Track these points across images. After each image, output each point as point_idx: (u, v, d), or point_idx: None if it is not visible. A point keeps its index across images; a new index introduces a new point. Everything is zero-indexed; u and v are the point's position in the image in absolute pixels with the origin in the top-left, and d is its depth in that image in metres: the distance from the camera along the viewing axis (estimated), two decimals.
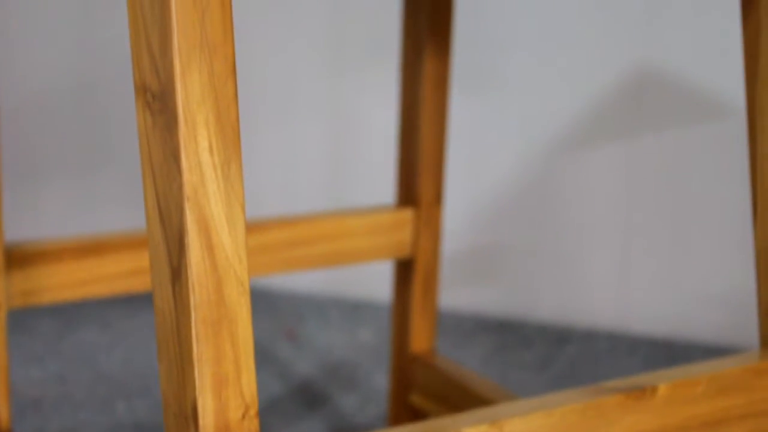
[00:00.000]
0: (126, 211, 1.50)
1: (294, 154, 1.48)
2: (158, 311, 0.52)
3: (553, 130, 1.39)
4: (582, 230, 1.39)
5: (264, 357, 1.28)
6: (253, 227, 0.93)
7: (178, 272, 0.50)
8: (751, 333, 1.29)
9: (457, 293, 1.44)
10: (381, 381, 1.22)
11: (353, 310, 1.45)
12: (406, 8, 0.96)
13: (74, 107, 1.52)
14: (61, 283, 0.84)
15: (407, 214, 0.98)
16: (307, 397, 1.18)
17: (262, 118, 1.48)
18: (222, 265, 0.50)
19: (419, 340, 0.99)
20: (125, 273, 0.86)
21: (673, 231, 1.36)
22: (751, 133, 0.70)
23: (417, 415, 1.00)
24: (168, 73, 0.49)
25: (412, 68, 0.96)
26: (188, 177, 0.49)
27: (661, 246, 1.37)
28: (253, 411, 0.51)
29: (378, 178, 1.43)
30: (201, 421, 0.50)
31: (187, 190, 0.49)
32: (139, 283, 0.87)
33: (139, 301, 1.43)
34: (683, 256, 1.36)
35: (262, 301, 1.46)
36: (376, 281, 1.44)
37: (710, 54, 1.31)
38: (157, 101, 0.50)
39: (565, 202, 1.40)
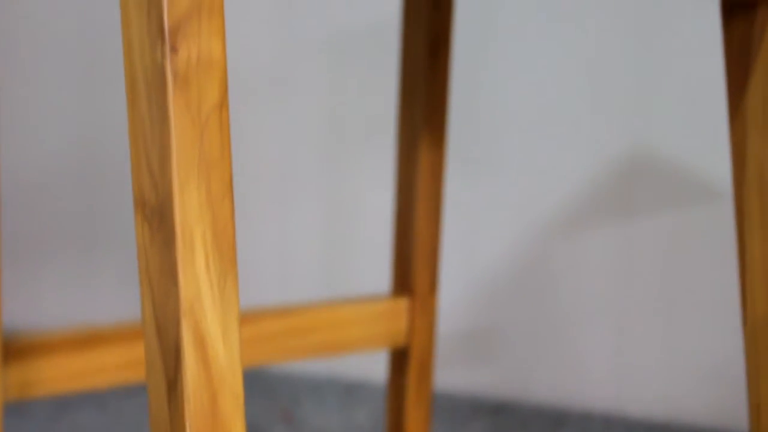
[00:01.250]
0: (125, 294, 1.51)
1: (289, 236, 1.49)
2: (153, 421, 0.53)
3: (548, 212, 1.40)
4: (577, 312, 1.40)
5: None
6: (248, 317, 0.93)
7: (173, 385, 0.51)
8: (746, 415, 1.30)
9: (452, 374, 1.44)
10: None
11: (349, 390, 1.45)
12: (401, 101, 0.98)
13: (74, 189, 1.53)
14: (58, 375, 0.85)
15: (402, 303, 0.99)
16: None
17: (258, 201, 1.49)
18: (217, 379, 0.51)
19: (414, 430, 1.00)
20: (122, 365, 0.87)
21: (668, 313, 1.37)
22: (739, 236, 0.71)
23: None
24: (166, 190, 0.50)
25: (407, 160, 0.97)
26: (185, 293, 0.50)
27: (657, 328, 1.38)
28: None
29: (375, 261, 1.43)
30: None
31: (184, 305, 0.50)
32: (137, 375, 0.87)
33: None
34: (679, 338, 1.37)
35: (258, 382, 1.46)
36: (371, 362, 1.44)
37: (702, 138, 1.33)
38: (156, 217, 0.51)
39: (560, 283, 1.40)
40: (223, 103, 0.51)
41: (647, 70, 1.35)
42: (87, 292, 1.54)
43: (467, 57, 1.38)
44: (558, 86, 1.38)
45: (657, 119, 1.35)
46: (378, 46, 1.43)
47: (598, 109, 1.37)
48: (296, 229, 1.49)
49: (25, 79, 1.53)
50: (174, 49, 0.49)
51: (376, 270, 1.42)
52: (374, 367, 1.44)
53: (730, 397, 1.35)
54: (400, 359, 1.00)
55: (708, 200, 1.34)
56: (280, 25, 1.47)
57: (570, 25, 1.36)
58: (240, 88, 1.44)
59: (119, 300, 1.51)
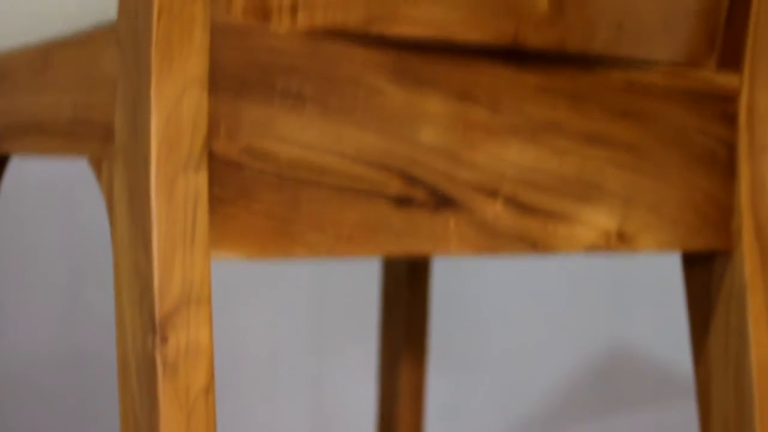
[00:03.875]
0: None
1: None
2: None
3: (530, 408, 1.42)
4: None
5: None
6: None
7: None
8: None
9: None
10: None
11: None
12: (382, 319, 1.01)
13: (64, 381, 1.55)
14: None
15: None
16: None
17: (242, 399, 1.51)
18: None
19: None
20: None
21: None
22: None
23: None
24: None
25: (389, 380, 1.00)
26: None
27: None
28: None
29: None
30: None
31: None
32: None
33: None
34: None
35: None
36: None
37: (680, 336, 1.36)
38: None
39: None
40: (209, 388, 0.54)
41: (625, 270, 1.39)
42: None
43: (450, 263, 1.42)
44: (539, 287, 1.42)
45: (635, 318, 1.39)
46: None
47: (577, 309, 1.40)
48: (281, 427, 1.50)
49: (18, 274, 1.56)
50: (164, 339, 0.53)
51: None
52: None
53: None
54: None
55: (686, 395, 1.37)
56: None
57: None
58: (230, 295, 1.48)
59: None
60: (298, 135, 0.58)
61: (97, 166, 0.59)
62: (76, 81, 0.61)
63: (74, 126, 0.62)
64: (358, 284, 1.47)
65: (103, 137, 0.58)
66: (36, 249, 1.57)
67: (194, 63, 0.53)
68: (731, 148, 0.73)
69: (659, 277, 1.37)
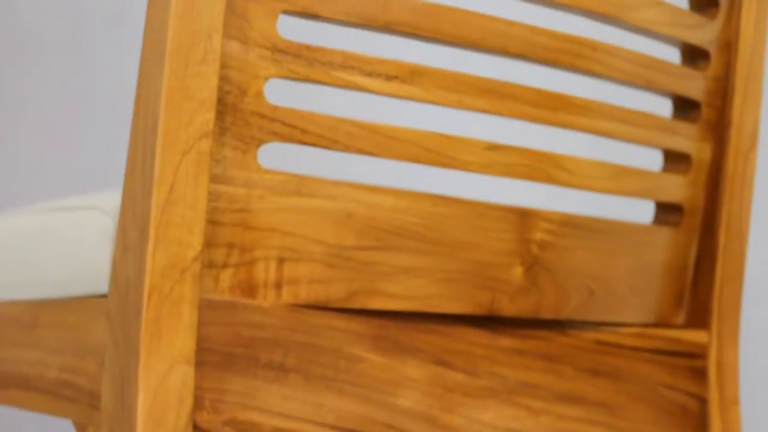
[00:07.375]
0: None
1: None
2: None
3: None
4: None
5: None
6: None
7: None
8: None
9: None
10: None
11: None
12: None
13: None
14: None
15: None
16: None
17: None
18: None
19: None
20: None
21: None
22: None
23: None
24: None
25: None
26: None
27: None
28: None
29: None
30: None
31: None
32: None
33: None
34: None
35: None
36: None
37: None
38: None
39: None
40: None
41: None
42: None
43: None
44: None
45: None
46: None
47: None
48: None
49: None
50: None
51: None
52: None
53: None
54: None
55: None
56: None
57: None
58: None
59: None
60: (279, 405, 0.59)
61: (81, 430, 0.60)
62: (64, 344, 0.63)
63: (60, 387, 0.63)
64: None
65: (89, 404, 0.60)
66: None
67: (182, 340, 0.55)
68: (702, 402, 0.75)
69: None
